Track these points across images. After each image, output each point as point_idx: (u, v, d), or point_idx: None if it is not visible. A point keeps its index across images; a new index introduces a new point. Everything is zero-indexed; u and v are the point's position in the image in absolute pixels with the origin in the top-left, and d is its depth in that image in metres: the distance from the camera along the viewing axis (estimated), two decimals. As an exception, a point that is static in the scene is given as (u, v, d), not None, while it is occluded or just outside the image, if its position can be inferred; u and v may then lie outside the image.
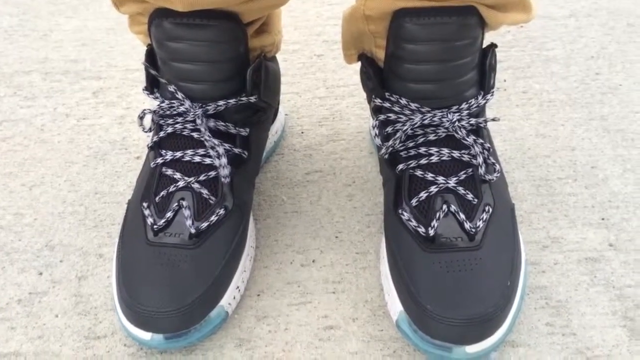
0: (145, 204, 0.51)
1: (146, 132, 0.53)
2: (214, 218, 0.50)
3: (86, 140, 0.70)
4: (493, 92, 0.53)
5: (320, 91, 0.77)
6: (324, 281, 0.54)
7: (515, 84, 0.76)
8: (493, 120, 0.53)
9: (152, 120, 0.53)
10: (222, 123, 0.52)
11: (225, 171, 0.50)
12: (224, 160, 0.50)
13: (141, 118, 0.54)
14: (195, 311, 0.47)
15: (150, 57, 0.53)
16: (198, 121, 0.51)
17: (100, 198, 0.63)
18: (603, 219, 0.59)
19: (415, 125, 0.50)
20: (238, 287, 0.51)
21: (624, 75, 0.76)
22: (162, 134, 0.53)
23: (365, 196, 0.62)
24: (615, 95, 0.73)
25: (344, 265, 0.56)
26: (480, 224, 0.49)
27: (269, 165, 0.66)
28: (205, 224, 0.50)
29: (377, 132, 0.51)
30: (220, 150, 0.50)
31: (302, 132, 0.70)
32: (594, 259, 0.55)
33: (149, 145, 0.54)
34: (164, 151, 0.53)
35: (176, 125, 0.52)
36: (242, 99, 0.52)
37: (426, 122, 0.50)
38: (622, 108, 0.71)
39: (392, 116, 0.51)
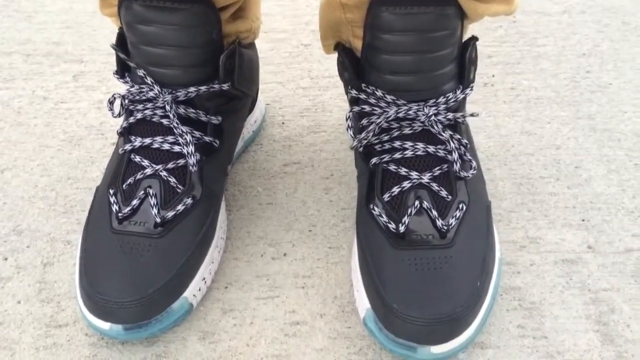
0: (111, 191, 0.50)
1: (115, 117, 0.52)
2: (180, 207, 0.49)
3: (62, 125, 0.69)
4: (472, 86, 0.51)
5: (304, 81, 0.75)
6: (294, 275, 0.53)
7: (504, 79, 0.74)
8: (472, 115, 0.52)
9: (121, 105, 0.52)
10: (193, 110, 0.51)
11: (192, 159, 0.49)
12: (191, 148, 0.49)
13: (111, 103, 0.53)
14: (157, 302, 0.46)
15: (121, 40, 0.51)
16: (167, 107, 0.49)
17: (73, 184, 0.62)
18: (583, 220, 0.57)
19: (390, 119, 0.49)
20: (204, 279, 0.50)
21: (614, 74, 0.75)
22: (131, 119, 0.52)
23: (342, 190, 0.61)
24: (605, 94, 0.72)
25: (315, 260, 0.55)
26: (452, 221, 0.48)
27: (247, 155, 0.65)
28: (171, 213, 0.48)
29: (350, 123, 0.49)
30: (188, 137, 0.49)
31: (283, 123, 0.69)
32: (571, 260, 0.54)
33: (119, 131, 0.53)
34: (133, 137, 0.51)
35: (146, 111, 0.51)
36: (214, 86, 0.51)
37: (401, 115, 0.49)
38: (610, 107, 0.70)
39: (367, 108, 0.50)
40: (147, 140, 0.50)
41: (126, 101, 0.52)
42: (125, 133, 0.52)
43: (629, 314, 0.49)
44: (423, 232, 0.47)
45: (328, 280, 0.53)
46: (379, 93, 0.49)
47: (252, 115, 0.64)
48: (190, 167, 0.49)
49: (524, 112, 0.69)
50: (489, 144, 0.65)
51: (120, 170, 0.51)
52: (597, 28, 0.83)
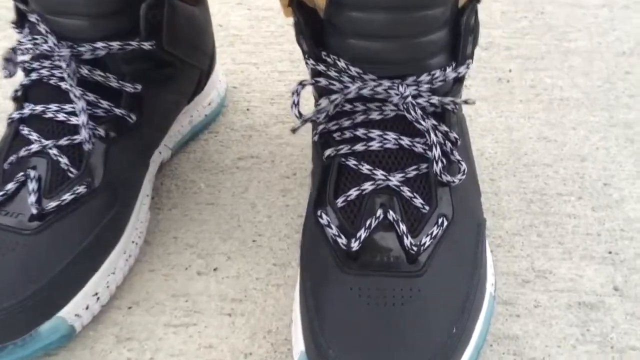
0: (-12, 171, 0.38)
1: (6, 77, 0.41)
2: (67, 197, 0.37)
3: (-13, 96, 0.58)
4: (469, 64, 0.39)
5: (283, 64, 0.63)
6: (221, 298, 0.41)
7: (523, 75, 0.61)
8: (466, 102, 0.39)
9: (10, 61, 0.40)
10: (101, 73, 0.39)
11: (86, 133, 0.37)
12: (84, 117, 0.37)
13: (7, 60, 0.41)
14: (15, 321, 0.34)
15: (21, -19, 0.40)
16: (63, 65, 0.38)
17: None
18: (610, 252, 0.44)
19: (350, 96, 0.36)
20: (97, 294, 0.38)
21: (660, 77, 0.61)
22: (26, 81, 0.40)
23: (303, 193, 0.49)
24: (647, 100, 0.58)
25: (253, 279, 0.42)
26: (427, 241, 0.35)
27: (195, 144, 0.53)
28: (54, 204, 0.37)
29: (296, 100, 0.37)
30: (81, 104, 0.37)
31: (248, 109, 0.57)
32: (591, 305, 0.40)
33: (12, 95, 0.41)
34: (27, 104, 0.40)
35: (42, 71, 0.40)
36: (132, 43, 0.39)
37: (366, 93, 0.36)
38: (654, 115, 0.56)
39: (323, 82, 0.37)
40: (39, 108, 0.39)
41: (24, 57, 0.41)
42: (21, 98, 0.41)
43: (666, 387, 0.36)
44: (385, 252, 0.34)
45: (264, 307, 0.40)
46: (342, 64, 0.37)
47: (204, 96, 0.52)
48: (85, 145, 0.37)
49: (544, 114, 0.56)
50: (496, 150, 0.52)
51: (6, 145, 0.39)
52: (641, 25, 0.69)
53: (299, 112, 0.37)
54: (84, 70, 0.39)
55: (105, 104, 0.39)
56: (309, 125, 0.55)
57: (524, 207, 0.47)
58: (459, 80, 0.40)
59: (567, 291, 0.41)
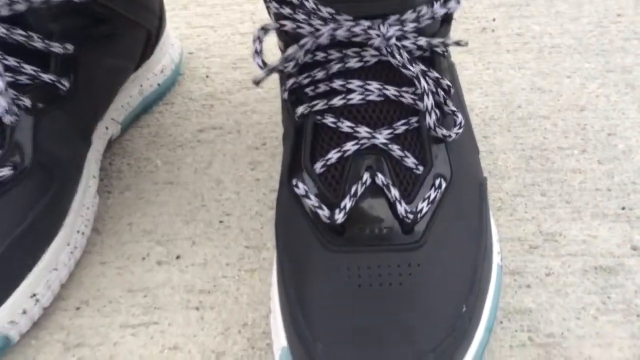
0: None
1: None
2: (-11, 182, 0.31)
3: None
4: (459, -2, 0.33)
5: (244, 26, 0.57)
6: (187, 290, 0.35)
7: (508, 24, 0.56)
8: (458, 44, 0.34)
9: None
10: (22, 32, 0.33)
11: (3, 102, 0.31)
12: (0, 84, 0.31)
13: None
14: None
15: None
16: (-28, 24, 0.31)
17: None
18: (623, 208, 0.39)
19: (323, 41, 0.30)
20: (36, 295, 0.32)
21: (655, 18, 0.56)
22: None
23: (275, 164, 0.43)
24: (644, 42, 0.53)
25: (222, 266, 0.36)
26: (424, 206, 0.29)
27: (150, 117, 0.47)
28: (-28, 192, 0.30)
29: (258, 48, 0.31)
30: (-4, 68, 0.31)
31: (207, 76, 0.51)
32: (609, 268, 0.36)
33: None
34: (-64, 76, 0.33)
35: (-50, 34, 0.33)
36: (57, -6, 0.33)
37: (342, 35, 0.30)
38: (652, 58, 0.51)
39: (289, 25, 0.31)
40: (-51, 78, 0.32)
41: None
42: None
43: None
44: (375, 223, 0.29)
45: (237, 297, 0.35)
46: (310, 4, 0.31)
47: (155, 62, 0.46)
48: (5, 117, 0.31)
49: (535, 63, 0.51)
50: (487, 104, 0.47)
51: None
52: (628, -35, 0.65)
53: (263, 62, 0.31)
54: (1, 30, 0.32)
55: (29, 68, 0.33)
56: (277, 88, 0.49)
57: (524, 165, 0.42)
58: (447, 20, 0.34)
59: (581, 255, 0.36)
